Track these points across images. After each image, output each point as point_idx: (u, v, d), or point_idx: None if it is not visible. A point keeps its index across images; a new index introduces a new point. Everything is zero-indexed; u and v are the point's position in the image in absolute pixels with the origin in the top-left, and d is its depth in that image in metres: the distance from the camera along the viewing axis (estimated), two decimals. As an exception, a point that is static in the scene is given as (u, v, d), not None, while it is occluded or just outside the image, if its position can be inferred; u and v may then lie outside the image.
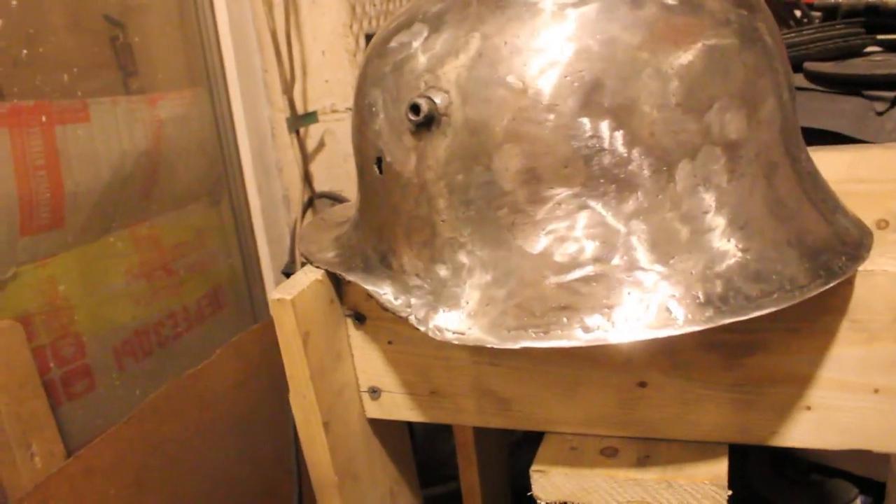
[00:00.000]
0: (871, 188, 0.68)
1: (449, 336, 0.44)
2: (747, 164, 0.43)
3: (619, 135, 0.41)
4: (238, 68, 0.96)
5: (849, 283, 0.44)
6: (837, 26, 0.83)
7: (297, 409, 0.53)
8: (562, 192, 0.42)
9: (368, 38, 0.98)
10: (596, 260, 0.42)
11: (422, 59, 0.45)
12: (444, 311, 0.45)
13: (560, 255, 0.43)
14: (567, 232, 0.43)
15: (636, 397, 0.50)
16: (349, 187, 1.03)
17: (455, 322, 0.45)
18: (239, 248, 1.04)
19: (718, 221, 0.42)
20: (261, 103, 1.01)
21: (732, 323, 0.40)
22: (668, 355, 0.49)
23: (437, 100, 0.44)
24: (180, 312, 0.99)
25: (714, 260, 0.42)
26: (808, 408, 0.48)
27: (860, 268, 0.44)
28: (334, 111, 1.00)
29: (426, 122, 0.44)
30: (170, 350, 0.96)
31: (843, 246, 0.45)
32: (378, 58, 0.49)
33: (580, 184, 0.42)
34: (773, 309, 0.41)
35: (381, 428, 0.60)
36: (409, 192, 0.47)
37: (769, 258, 0.43)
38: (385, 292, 0.49)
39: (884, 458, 0.87)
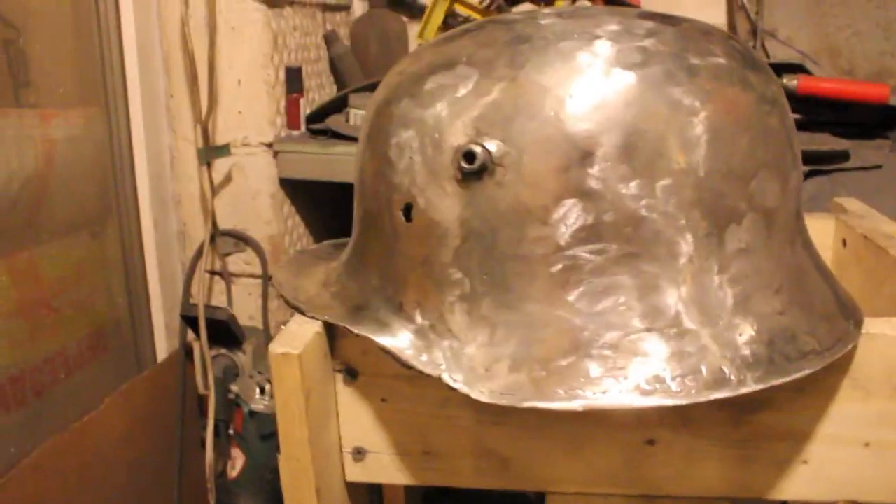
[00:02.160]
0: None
1: (490, 398, 0.42)
2: (779, 231, 0.45)
3: (674, 198, 0.42)
4: (142, 90, 0.88)
5: (853, 345, 0.47)
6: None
7: (288, 474, 0.48)
8: (617, 251, 0.42)
9: (289, 71, 0.94)
10: (649, 319, 0.42)
11: (472, 104, 0.43)
12: (485, 370, 0.43)
13: (612, 314, 0.42)
14: (619, 291, 0.42)
15: (643, 455, 0.50)
16: (255, 226, 0.97)
17: (495, 382, 0.42)
18: (125, 286, 0.95)
19: (759, 285, 0.44)
20: (162, 130, 0.93)
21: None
22: (678, 413, 0.49)
23: (492, 148, 0.42)
24: (59, 357, 0.88)
25: (758, 322, 0.43)
26: (805, 462, 0.50)
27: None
28: (246, 145, 0.94)
29: (478, 171, 0.42)
30: (47, 400, 0.85)
31: (846, 310, 0.48)
32: (410, 98, 0.46)
33: (636, 244, 0.42)
34: (810, 370, 0.42)
35: (355, 492, 0.56)
36: (447, 242, 0.44)
37: (800, 321, 0.44)
38: (407, 348, 0.45)
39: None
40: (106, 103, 0.89)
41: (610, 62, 0.43)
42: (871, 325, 0.47)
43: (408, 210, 0.46)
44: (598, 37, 0.44)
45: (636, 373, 0.41)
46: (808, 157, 0.80)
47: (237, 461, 0.91)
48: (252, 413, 0.93)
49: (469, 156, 0.42)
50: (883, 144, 0.87)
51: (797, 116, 0.98)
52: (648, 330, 0.42)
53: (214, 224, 0.95)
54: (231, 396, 0.93)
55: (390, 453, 0.53)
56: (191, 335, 0.96)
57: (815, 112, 0.99)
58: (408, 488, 0.81)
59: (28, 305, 0.83)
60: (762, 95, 0.45)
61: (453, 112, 0.44)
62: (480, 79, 0.44)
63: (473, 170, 0.42)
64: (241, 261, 0.98)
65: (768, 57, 1.01)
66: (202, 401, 0.97)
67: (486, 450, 0.52)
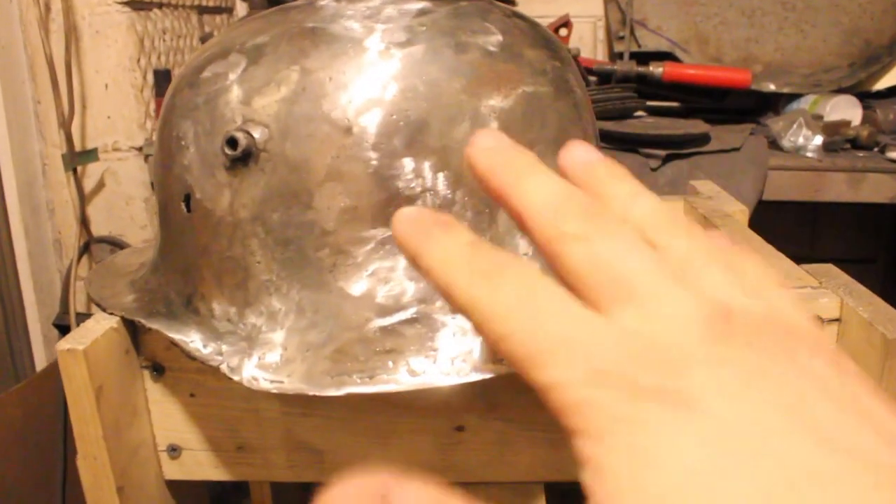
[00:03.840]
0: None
1: (265, 385, 0.41)
2: (561, 208, 0.45)
3: (442, 175, 0.42)
4: (5, 96, 0.87)
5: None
6: (615, 89, 0.91)
7: (87, 473, 0.47)
8: (385, 233, 0.42)
9: (157, 74, 0.93)
10: (419, 301, 0.42)
11: (239, 92, 0.43)
12: (259, 358, 0.42)
13: (383, 297, 0.42)
14: (390, 273, 0.42)
15: (454, 442, 0.50)
16: (131, 231, 0.96)
17: (271, 370, 0.42)
18: (-1, 298, 0.93)
19: (540, 261, 0.43)
20: (31, 137, 0.91)
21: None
22: (484, 398, 0.49)
23: (256, 134, 0.42)
24: (-76, 372, 0.85)
25: (535, 300, 0.43)
26: (616, 442, 0.50)
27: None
28: (116, 149, 0.93)
29: (243, 157, 0.42)
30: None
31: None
32: (189, 88, 0.46)
33: (405, 224, 0.41)
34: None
35: (180, 490, 0.55)
36: (221, 231, 0.44)
37: (583, 298, 0.44)
38: (192, 340, 0.45)
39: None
40: (-34, 110, 0.87)
41: (374, 43, 0.42)
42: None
43: (188, 200, 0.45)
44: (367, 17, 0.44)
45: (407, 355, 0.41)
46: (666, 141, 0.81)
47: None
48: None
49: (232, 142, 0.42)
50: (746, 128, 0.88)
51: (673, 104, 0.99)
52: (422, 311, 0.41)
53: (88, 231, 0.93)
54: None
55: (205, 449, 0.52)
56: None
57: (693, 100, 1.00)
58: (278, 491, 0.81)
59: None
60: (541, 72, 0.45)
61: (223, 100, 0.43)
62: (248, 65, 0.43)
63: (237, 156, 0.42)
64: (119, 267, 0.96)
65: (639, 46, 1.02)
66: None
67: (297, 442, 0.51)
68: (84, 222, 0.93)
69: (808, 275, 0.51)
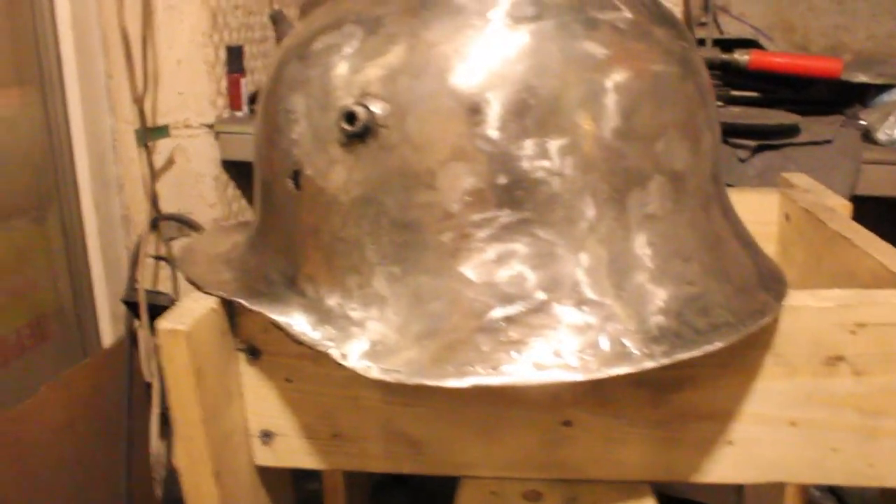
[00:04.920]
0: (744, 228, 0.71)
1: (379, 374, 0.39)
2: (690, 196, 0.43)
3: (571, 158, 0.39)
4: (79, 70, 0.86)
5: (774, 318, 0.45)
6: (700, 75, 0.87)
7: (184, 456, 0.46)
8: (511, 217, 0.39)
9: (230, 50, 0.91)
10: (545, 290, 0.39)
11: (357, 64, 0.41)
12: (372, 345, 0.40)
13: (507, 285, 0.40)
14: (514, 260, 0.40)
15: (560, 437, 0.48)
16: (199, 209, 0.95)
17: (386, 358, 0.40)
18: (68, 273, 0.92)
19: (666, 253, 0.41)
20: (102, 112, 0.91)
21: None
22: (595, 393, 0.47)
23: (376, 109, 0.40)
24: (-5, 345, 0.85)
25: (666, 293, 0.40)
26: (730, 443, 0.47)
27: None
28: (188, 126, 0.92)
29: (361, 133, 0.40)
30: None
31: (767, 282, 0.46)
32: (298, 60, 0.44)
33: (530, 208, 0.39)
34: (722, 344, 0.40)
35: (268, 477, 0.54)
36: (333, 210, 0.42)
37: (712, 292, 0.42)
38: (297, 323, 0.43)
39: (735, 488, 0.91)
40: (41, 83, 0.86)
41: (501, 16, 0.40)
42: (794, 298, 0.45)
43: (296, 177, 0.43)
44: (491, -10, 0.41)
45: (532, 347, 0.39)
46: (757, 131, 0.77)
47: (181, 451, 0.88)
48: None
49: (350, 117, 0.40)
50: (835, 120, 0.85)
51: (754, 94, 0.96)
52: (546, 301, 0.39)
53: (157, 208, 0.93)
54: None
55: (299, 436, 0.51)
56: (137, 322, 0.94)
57: (773, 90, 0.96)
58: (350, 477, 0.79)
59: (-40, 292, 0.81)
60: (669, 52, 0.43)
61: (338, 73, 0.41)
62: (366, 36, 0.41)
63: (356, 132, 0.40)
64: (186, 246, 0.95)
65: (721, 32, 0.99)
66: (150, 388, 0.95)
67: (396, 432, 0.49)
68: (153, 199, 0.93)
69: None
